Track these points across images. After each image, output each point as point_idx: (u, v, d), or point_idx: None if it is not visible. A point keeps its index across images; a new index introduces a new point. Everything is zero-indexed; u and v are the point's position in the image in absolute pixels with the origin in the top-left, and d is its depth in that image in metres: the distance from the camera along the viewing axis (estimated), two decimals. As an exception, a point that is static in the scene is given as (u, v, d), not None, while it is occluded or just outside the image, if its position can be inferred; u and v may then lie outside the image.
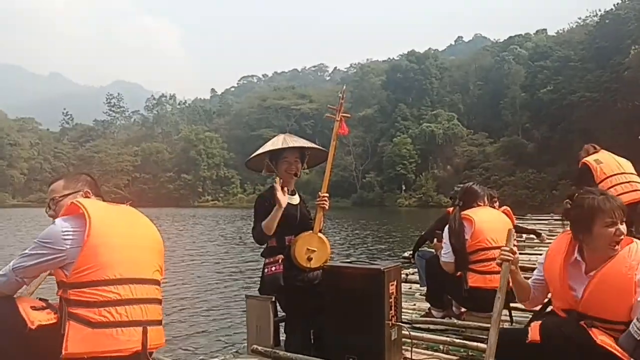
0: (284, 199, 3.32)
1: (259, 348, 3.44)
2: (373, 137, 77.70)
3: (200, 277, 10.20)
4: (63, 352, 2.13)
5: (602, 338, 2.30)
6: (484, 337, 3.47)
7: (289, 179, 3.56)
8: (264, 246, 3.59)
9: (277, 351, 3.38)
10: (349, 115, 3.94)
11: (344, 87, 4.47)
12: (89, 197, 2.54)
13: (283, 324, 3.63)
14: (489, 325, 4.06)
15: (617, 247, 2.41)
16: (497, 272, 4.03)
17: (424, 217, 33.82)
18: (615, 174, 5.70)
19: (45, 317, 2.30)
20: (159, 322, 2.40)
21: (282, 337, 3.66)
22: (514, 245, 2.74)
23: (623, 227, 2.43)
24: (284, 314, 3.58)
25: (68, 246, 2.24)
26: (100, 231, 2.27)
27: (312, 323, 3.54)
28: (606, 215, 2.40)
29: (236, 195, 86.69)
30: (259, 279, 3.60)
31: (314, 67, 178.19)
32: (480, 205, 4.34)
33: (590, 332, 2.35)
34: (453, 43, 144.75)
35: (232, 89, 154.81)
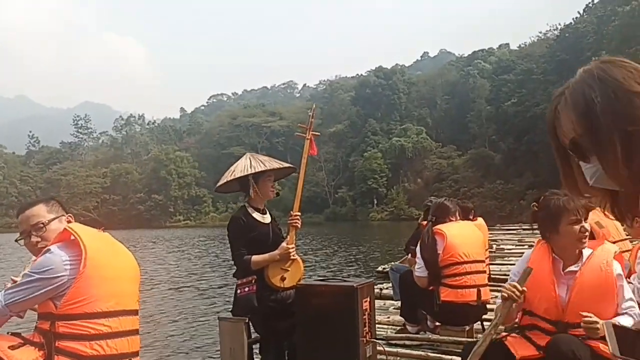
0: (285, 247, 3.43)
1: None
2: (344, 153, 78.22)
3: (172, 299, 10.05)
4: None
5: (603, 348, 2.29)
6: (459, 351, 3.51)
7: (270, 197, 3.63)
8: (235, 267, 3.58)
9: None
10: (318, 134, 3.99)
11: (314, 105, 4.51)
12: (71, 222, 2.44)
13: (257, 345, 3.61)
14: (463, 339, 4.12)
15: (584, 242, 2.54)
16: (469, 287, 4.10)
17: (396, 230, 34.06)
18: None
19: (29, 356, 2.14)
20: (138, 353, 2.36)
21: (256, 358, 3.63)
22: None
23: (587, 225, 2.56)
24: (257, 335, 3.55)
25: (67, 276, 2.16)
26: (94, 262, 2.20)
27: (287, 343, 3.53)
28: (571, 213, 2.53)
29: (208, 214, 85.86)
30: (232, 300, 3.58)
31: (284, 84, 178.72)
32: (452, 220, 4.39)
33: (592, 346, 2.35)
34: (419, 58, 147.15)
35: (202, 107, 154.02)
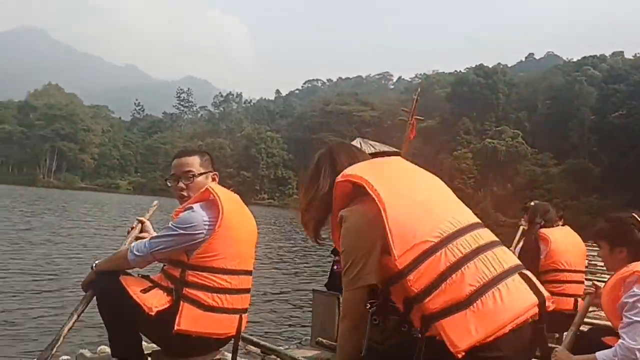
0: None
1: (324, 341, 3.58)
2: (432, 149, 76.80)
3: (271, 270, 10.48)
4: (175, 327, 2.28)
5: None
6: None
7: None
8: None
9: None
10: (422, 118, 4.05)
11: (419, 89, 4.62)
12: (215, 181, 2.63)
13: None
14: (553, 345, 4.09)
15: None
16: (567, 295, 4.03)
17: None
18: None
19: (160, 302, 2.34)
20: (247, 310, 2.55)
21: None
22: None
23: None
24: None
25: (204, 233, 2.35)
26: (227, 223, 2.38)
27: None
28: None
29: (292, 196, 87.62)
30: (327, 274, 3.82)
31: (379, 74, 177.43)
32: (556, 226, 4.33)
33: None
34: (523, 59, 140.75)
35: (297, 91, 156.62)
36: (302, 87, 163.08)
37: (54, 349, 2.38)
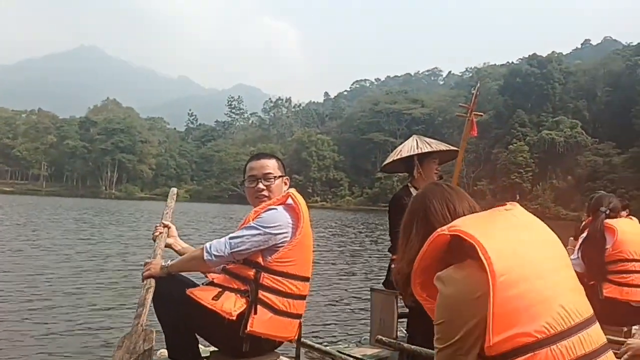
0: None
1: (384, 339, 3.38)
2: (487, 144, 75.09)
3: (327, 269, 10.56)
4: (248, 327, 2.28)
5: None
6: (616, 351, 3.46)
7: (434, 179, 3.61)
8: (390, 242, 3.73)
9: (402, 343, 3.37)
10: (481, 114, 3.85)
11: (478, 84, 4.44)
12: (287, 185, 2.63)
13: (405, 320, 3.71)
14: (621, 339, 3.91)
15: None
16: (636, 286, 3.87)
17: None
18: None
19: (237, 305, 2.29)
20: (301, 316, 2.50)
21: (400, 333, 3.78)
22: None
23: None
24: (407, 309, 3.60)
25: (288, 235, 2.35)
26: (305, 230, 2.40)
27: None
28: None
29: (344, 198, 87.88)
30: (384, 272, 3.76)
31: (428, 71, 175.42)
32: (621, 217, 4.20)
33: None
34: (579, 46, 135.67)
35: (345, 92, 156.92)
36: (350, 88, 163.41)
37: (143, 317, 2.42)
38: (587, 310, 1.40)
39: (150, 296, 2.44)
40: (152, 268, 2.48)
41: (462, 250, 1.37)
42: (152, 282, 2.47)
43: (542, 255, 1.42)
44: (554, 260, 1.45)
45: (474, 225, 1.40)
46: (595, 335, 1.37)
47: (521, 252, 1.39)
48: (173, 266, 2.48)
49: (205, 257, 2.34)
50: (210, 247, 2.36)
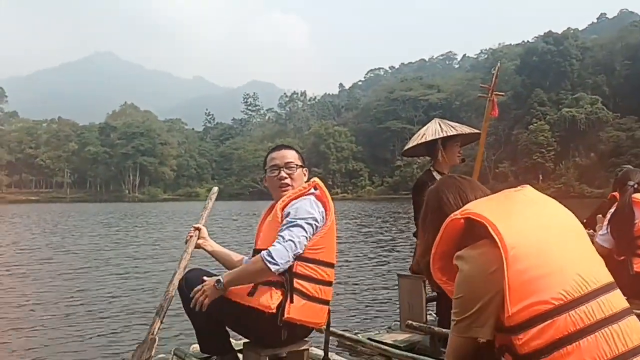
0: None
1: (414, 323, 3.55)
2: (506, 125, 74.12)
3: (353, 255, 10.64)
4: (285, 315, 2.34)
5: None
6: None
7: (456, 162, 3.68)
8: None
9: (432, 327, 3.49)
10: (502, 94, 3.82)
11: (499, 64, 4.38)
12: (306, 176, 2.68)
13: (433, 303, 3.77)
14: None
15: None
16: None
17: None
18: None
19: (274, 298, 2.35)
20: (328, 302, 2.56)
21: (430, 317, 3.81)
22: None
23: None
24: (435, 293, 3.63)
25: (320, 224, 2.43)
26: (333, 217, 2.50)
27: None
28: None
29: (364, 188, 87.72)
30: (410, 258, 3.77)
31: (442, 55, 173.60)
32: None
33: None
34: (595, 21, 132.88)
35: (360, 82, 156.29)
36: (364, 77, 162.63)
37: (155, 326, 2.56)
38: (605, 277, 1.43)
39: (167, 305, 2.59)
40: (206, 290, 2.39)
41: (476, 232, 1.44)
42: (173, 291, 2.61)
43: (555, 227, 1.48)
44: (567, 232, 1.50)
45: (484, 206, 1.48)
46: (616, 300, 1.40)
47: (533, 225, 1.44)
48: (230, 283, 2.39)
49: (272, 268, 2.26)
50: (273, 257, 2.27)
